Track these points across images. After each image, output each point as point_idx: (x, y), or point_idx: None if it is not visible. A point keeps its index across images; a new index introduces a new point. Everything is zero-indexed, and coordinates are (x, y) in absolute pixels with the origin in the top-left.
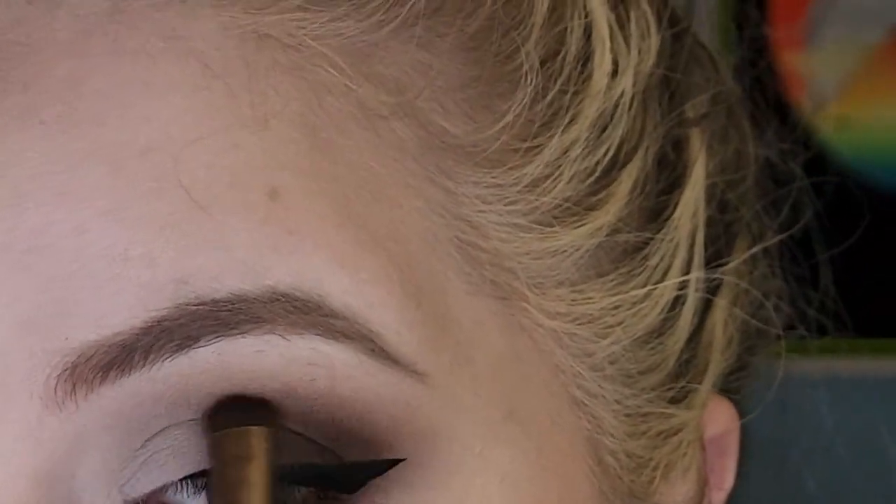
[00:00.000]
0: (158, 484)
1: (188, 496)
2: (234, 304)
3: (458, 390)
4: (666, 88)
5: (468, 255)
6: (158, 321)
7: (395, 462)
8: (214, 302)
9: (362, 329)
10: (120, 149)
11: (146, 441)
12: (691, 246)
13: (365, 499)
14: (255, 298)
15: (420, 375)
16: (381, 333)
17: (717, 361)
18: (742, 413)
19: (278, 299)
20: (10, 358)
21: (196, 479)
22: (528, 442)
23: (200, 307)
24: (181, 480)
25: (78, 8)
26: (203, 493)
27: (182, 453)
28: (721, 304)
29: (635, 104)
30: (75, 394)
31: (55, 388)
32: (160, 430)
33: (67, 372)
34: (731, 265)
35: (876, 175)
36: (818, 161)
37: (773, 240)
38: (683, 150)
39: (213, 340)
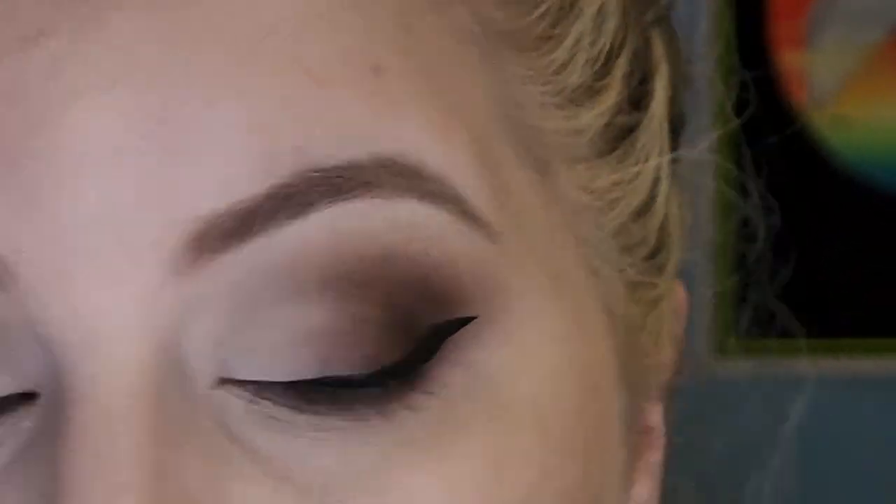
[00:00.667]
0: (256, 378)
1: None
2: (346, 170)
3: (520, 253)
4: None
5: (517, 131)
6: (280, 188)
7: (469, 319)
8: (330, 168)
9: (452, 192)
10: (243, 29)
11: (254, 318)
12: (661, 134)
13: (440, 356)
14: (364, 164)
15: (497, 235)
16: (468, 197)
17: (677, 243)
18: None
19: (385, 164)
20: (139, 226)
21: (296, 385)
22: (569, 303)
23: (317, 174)
24: (280, 384)
25: None
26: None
27: (277, 360)
28: (674, 191)
29: (619, 4)
30: (199, 261)
31: (181, 256)
32: (268, 307)
33: (195, 240)
34: (694, 153)
35: (876, 175)
36: (817, 160)
37: (732, 124)
38: (651, 49)
39: (327, 206)
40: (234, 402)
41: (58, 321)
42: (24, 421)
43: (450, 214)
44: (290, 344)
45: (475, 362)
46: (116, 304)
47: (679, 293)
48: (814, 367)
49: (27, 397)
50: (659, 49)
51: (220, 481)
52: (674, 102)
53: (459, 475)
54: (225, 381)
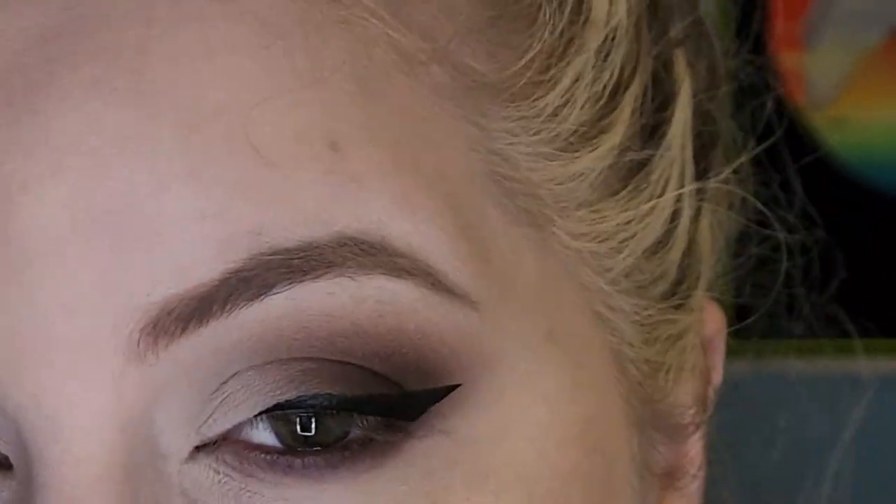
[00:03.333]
0: (234, 423)
1: (261, 430)
2: (305, 251)
3: (504, 317)
4: (654, 14)
5: (504, 187)
6: (235, 272)
7: (453, 388)
8: (287, 251)
9: (423, 265)
10: (191, 111)
11: (221, 384)
12: (683, 159)
13: (425, 423)
14: (325, 244)
15: (474, 304)
16: (440, 269)
17: (707, 266)
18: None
19: (346, 243)
20: (95, 315)
21: (269, 413)
22: (565, 360)
23: (274, 257)
24: (254, 417)
25: None
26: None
27: (255, 392)
28: (707, 210)
29: (630, 30)
30: (157, 346)
31: (138, 342)
32: (233, 374)
33: (150, 326)
34: (722, 176)
35: (875, 175)
36: (817, 161)
37: (753, 152)
38: (671, 70)
39: (287, 287)
40: (207, 475)
41: (21, 409)
42: (3, 491)
43: (421, 288)
44: (260, 388)
45: (457, 429)
46: (77, 392)
47: (712, 317)
48: (813, 368)
49: (4, 466)
50: (682, 68)
51: None
52: (702, 118)
53: None
54: (199, 449)
